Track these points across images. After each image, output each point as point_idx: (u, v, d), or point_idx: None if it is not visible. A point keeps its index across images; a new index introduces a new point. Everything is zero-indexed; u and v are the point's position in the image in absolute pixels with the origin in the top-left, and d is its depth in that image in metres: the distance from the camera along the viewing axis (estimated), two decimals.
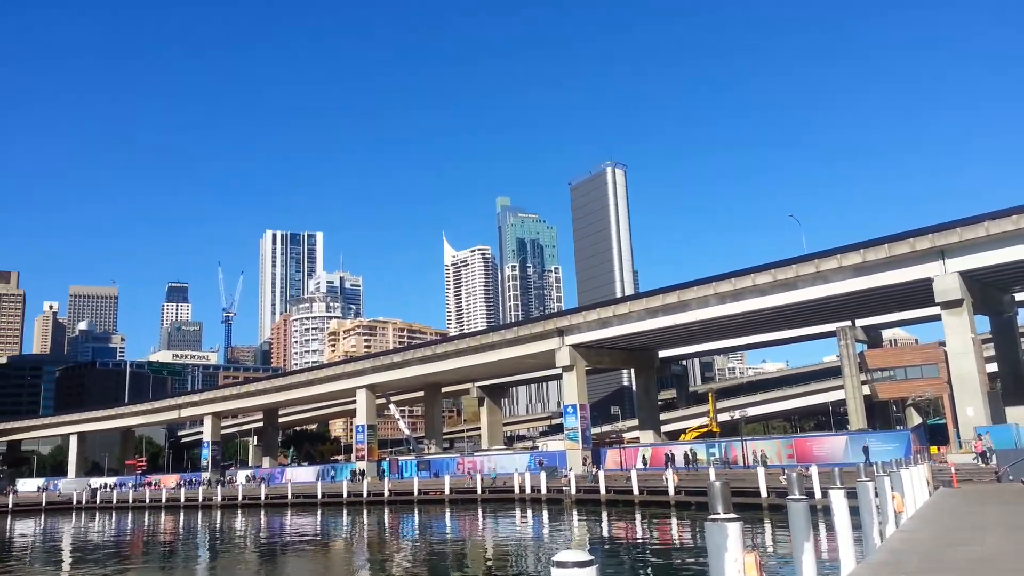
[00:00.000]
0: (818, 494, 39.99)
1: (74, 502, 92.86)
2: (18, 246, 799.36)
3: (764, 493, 45.93)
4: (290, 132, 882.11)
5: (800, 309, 65.09)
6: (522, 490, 62.70)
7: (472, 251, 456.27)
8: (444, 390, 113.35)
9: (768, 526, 39.31)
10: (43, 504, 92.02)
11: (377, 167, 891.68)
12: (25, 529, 67.80)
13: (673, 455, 67.45)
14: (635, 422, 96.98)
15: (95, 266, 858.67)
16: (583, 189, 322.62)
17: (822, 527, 31.01)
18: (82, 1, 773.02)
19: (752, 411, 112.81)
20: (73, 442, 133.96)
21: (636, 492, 54.48)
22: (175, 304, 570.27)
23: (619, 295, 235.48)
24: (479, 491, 65.53)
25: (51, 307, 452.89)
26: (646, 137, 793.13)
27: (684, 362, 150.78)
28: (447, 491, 67.32)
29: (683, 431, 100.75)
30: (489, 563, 34.09)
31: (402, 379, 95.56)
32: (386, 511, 64.26)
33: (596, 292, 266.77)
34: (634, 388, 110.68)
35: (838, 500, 11.83)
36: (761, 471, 47.78)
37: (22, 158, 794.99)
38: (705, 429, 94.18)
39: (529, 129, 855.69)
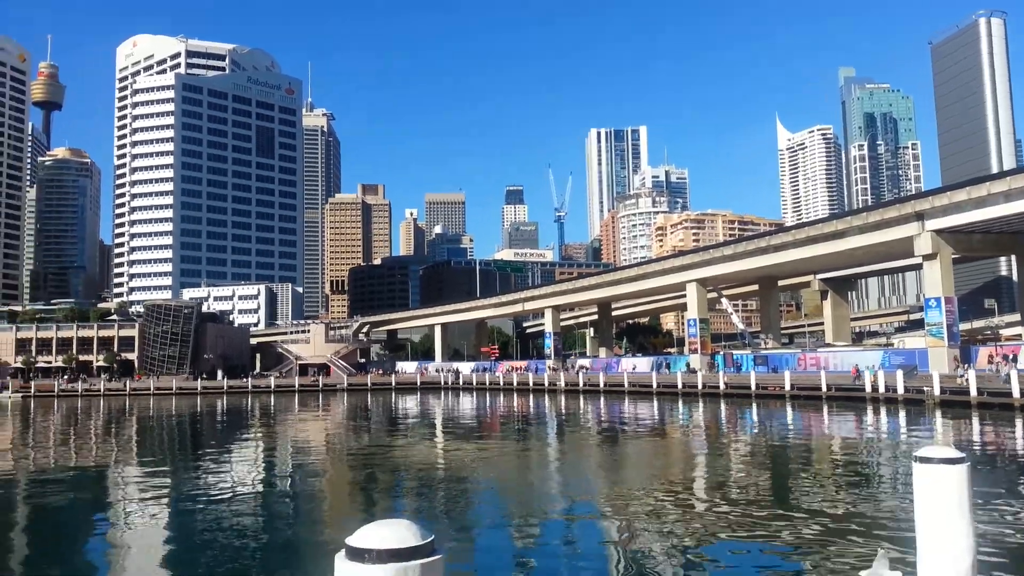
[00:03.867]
0: None
1: (442, 383, 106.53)
2: (383, 160, 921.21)
3: None
4: (608, 28, 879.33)
5: None
6: (874, 389, 57.39)
7: (810, 132, 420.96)
8: (781, 283, 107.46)
9: None
10: (418, 384, 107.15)
11: (696, 48, 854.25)
12: (407, 404, 79.33)
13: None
14: (1016, 316, 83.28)
15: (444, 174, 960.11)
16: (948, 48, 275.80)
17: None
18: None
19: None
20: (437, 331, 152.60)
21: (1017, 395, 46.77)
22: (513, 206, 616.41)
23: (996, 170, 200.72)
24: (823, 388, 61.48)
25: (411, 214, 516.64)
26: None
27: None
28: (787, 386, 64.25)
29: None
30: (837, 458, 31.59)
31: (734, 272, 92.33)
32: (722, 403, 63.41)
33: (966, 168, 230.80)
34: (1015, 278, 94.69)
35: None
36: None
37: (387, 91, 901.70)
38: None
39: None
